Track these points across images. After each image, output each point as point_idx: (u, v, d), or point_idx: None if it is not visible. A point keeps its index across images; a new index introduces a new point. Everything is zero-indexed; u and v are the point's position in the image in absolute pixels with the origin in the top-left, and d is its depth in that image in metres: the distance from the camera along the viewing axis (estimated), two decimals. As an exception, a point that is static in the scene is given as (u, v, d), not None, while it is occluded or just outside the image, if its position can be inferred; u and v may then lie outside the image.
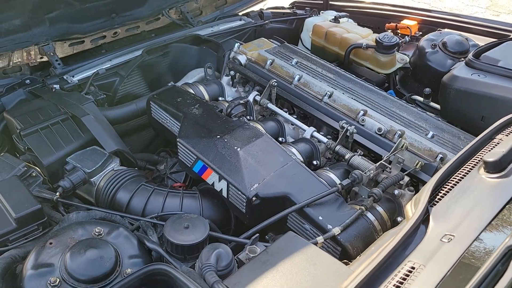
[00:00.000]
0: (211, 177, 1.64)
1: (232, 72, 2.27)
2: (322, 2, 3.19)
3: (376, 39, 2.46)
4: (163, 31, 2.84)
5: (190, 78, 2.38)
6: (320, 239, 1.39)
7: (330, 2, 3.14)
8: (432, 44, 2.42)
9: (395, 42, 2.43)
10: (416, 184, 1.74)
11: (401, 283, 1.06)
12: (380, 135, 1.87)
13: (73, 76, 2.29)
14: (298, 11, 3.17)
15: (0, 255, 1.35)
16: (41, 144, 1.80)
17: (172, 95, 1.97)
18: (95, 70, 2.31)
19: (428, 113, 2.06)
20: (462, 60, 2.29)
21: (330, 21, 2.80)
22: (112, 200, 1.69)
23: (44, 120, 1.87)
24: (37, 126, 1.84)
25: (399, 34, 2.76)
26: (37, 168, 1.71)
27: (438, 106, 2.26)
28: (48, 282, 1.24)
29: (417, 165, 1.69)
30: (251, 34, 2.91)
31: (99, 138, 1.79)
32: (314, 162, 1.81)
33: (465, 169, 1.42)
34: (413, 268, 1.10)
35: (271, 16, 3.05)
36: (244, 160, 1.60)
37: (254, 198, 1.51)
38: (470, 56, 2.18)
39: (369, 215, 1.52)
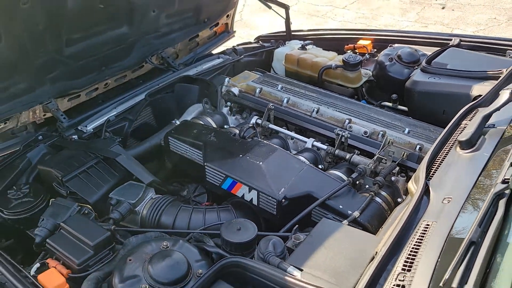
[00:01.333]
0: (240, 190, 1.95)
1: (229, 103, 2.60)
2: (285, 33, 3.60)
3: (343, 59, 2.88)
4: (148, 77, 3.14)
5: (190, 114, 2.68)
6: (345, 222, 1.73)
7: (292, 33, 3.56)
8: (389, 58, 2.86)
9: (359, 60, 2.86)
10: (404, 171, 2.12)
11: (422, 236, 1.41)
12: (367, 137, 2.26)
13: (86, 126, 2.53)
14: (265, 44, 3.57)
15: (86, 278, 1.58)
16: (83, 186, 2.04)
17: (187, 128, 2.27)
18: (106, 118, 2.57)
19: (399, 114, 2.48)
20: (416, 68, 2.74)
21: (298, 49, 3.21)
22: (158, 224, 1.95)
23: (79, 166, 2.12)
24: (76, 171, 2.08)
25: (358, 53, 3.20)
26: (89, 206, 1.95)
27: (405, 108, 2.68)
28: (139, 289, 1.49)
29: (403, 155, 2.08)
30: (230, 69, 3.26)
31: (135, 173, 2.06)
32: (320, 166, 2.15)
33: (445, 150, 1.81)
34: (428, 225, 1.45)
35: (243, 51, 3.42)
36: (268, 171, 1.92)
37: (283, 200, 1.83)
38: (423, 63, 2.64)
39: (377, 199, 1.88)
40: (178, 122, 2.51)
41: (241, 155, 2.02)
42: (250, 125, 2.28)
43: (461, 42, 2.95)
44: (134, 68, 3.12)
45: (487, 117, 1.84)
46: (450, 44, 2.92)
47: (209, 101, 2.70)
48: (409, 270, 1.30)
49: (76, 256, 1.62)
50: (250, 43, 3.72)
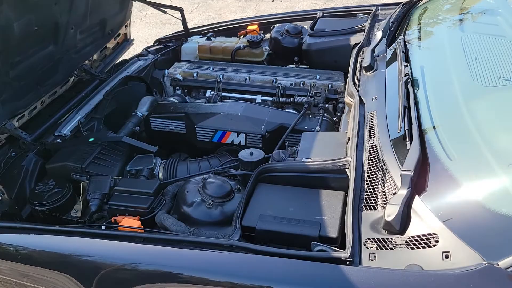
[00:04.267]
0: (230, 137, 2.57)
1: (178, 87, 3.17)
2: (181, 33, 4.21)
3: (247, 40, 3.64)
4: (78, 89, 3.47)
5: (144, 104, 3.12)
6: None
7: (189, 31, 4.19)
8: (280, 33, 3.71)
9: (261, 38, 3.65)
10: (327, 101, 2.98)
11: (372, 118, 2.25)
12: (293, 87, 3.07)
13: (60, 131, 2.83)
14: (169, 44, 4.13)
15: (157, 215, 2.07)
16: (101, 168, 2.44)
17: (164, 108, 2.79)
18: (77, 120, 2.90)
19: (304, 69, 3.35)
20: (302, 37, 3.64)
21: (205, 40, 3.87)
22: (176, 178, 2.46)
23: (90, 154, 2.49)
24: (89, 159, 2.46)
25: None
26: (119, 177, 2.37)
27: (306, 66, 3.56)
28: (206, 205, 2.04)
29: (326, 90, 2.94)
30: (151, 66, 3.76)
31: (143, 146, 2.52)
32: (272, 112, 2.88)
33: (357, 75, 2.71)
34: (371, 113, 2.30)
35: (155, 52, 3.94)
36: (246, 118, 2.59)
37: (266, 134, 2.52)
38: (309, 31, 3.55)
39: (325, 118, 2.69)
40: (139, 113, 2.99)
41: (220, 113, 2.64)
42: (215, 94, 2.90)
43: (324, 14, 3.95)
44: (62, 84, 3.44)
45: (373, 50, 2.79)
46: (318, 16, 3.89)
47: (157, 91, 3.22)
48: (373, 136, 2.12)
49: (143, 203, 2.08)
50: (153, 46, 4.25)
